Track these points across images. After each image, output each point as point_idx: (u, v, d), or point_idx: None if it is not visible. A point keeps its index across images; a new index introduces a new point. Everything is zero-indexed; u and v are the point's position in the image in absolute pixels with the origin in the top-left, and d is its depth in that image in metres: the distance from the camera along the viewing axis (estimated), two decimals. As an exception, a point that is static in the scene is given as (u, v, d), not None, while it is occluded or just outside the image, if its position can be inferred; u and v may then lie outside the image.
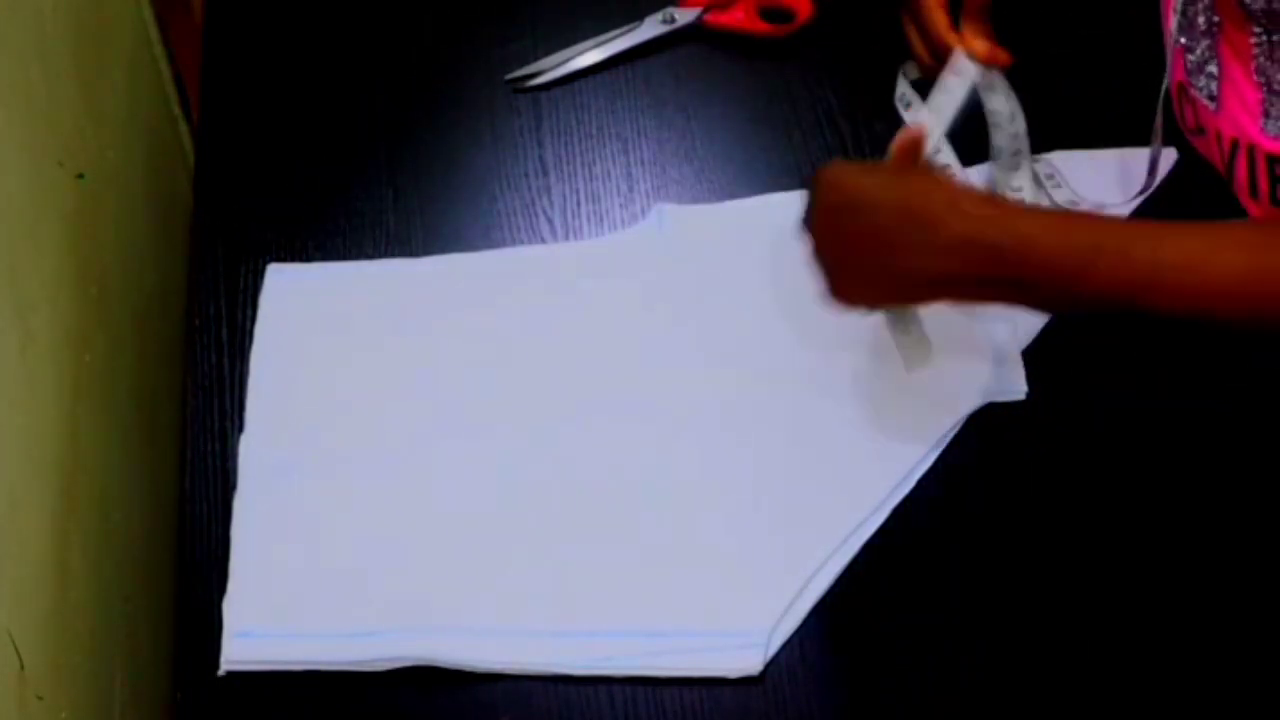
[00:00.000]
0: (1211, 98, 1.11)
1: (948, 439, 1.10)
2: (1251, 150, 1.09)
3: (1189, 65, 1.12)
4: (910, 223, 0.95)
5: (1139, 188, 1.17)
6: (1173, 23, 1.12)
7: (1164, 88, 1.16)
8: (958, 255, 0.94)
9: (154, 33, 1.45)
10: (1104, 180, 1.19)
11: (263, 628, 1.04)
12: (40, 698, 0.97)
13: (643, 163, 1.25)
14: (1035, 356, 1.13)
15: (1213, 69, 1.10)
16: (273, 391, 1.13)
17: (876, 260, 0.97)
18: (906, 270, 0.96)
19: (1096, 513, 1.08)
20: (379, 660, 1.02)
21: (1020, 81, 1.25)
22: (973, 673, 1.02)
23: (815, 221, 0.99)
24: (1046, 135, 1.22)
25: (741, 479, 1.09)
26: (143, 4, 1.42)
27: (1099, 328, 1.13)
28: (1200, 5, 1.08)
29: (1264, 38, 1.04)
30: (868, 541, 1.06)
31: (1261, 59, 1.05)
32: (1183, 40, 1.12)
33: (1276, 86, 1.04)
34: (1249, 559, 1.05)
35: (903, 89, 1.25)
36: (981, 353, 1.13)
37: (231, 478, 1.10)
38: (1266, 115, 1.06)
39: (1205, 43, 1.10)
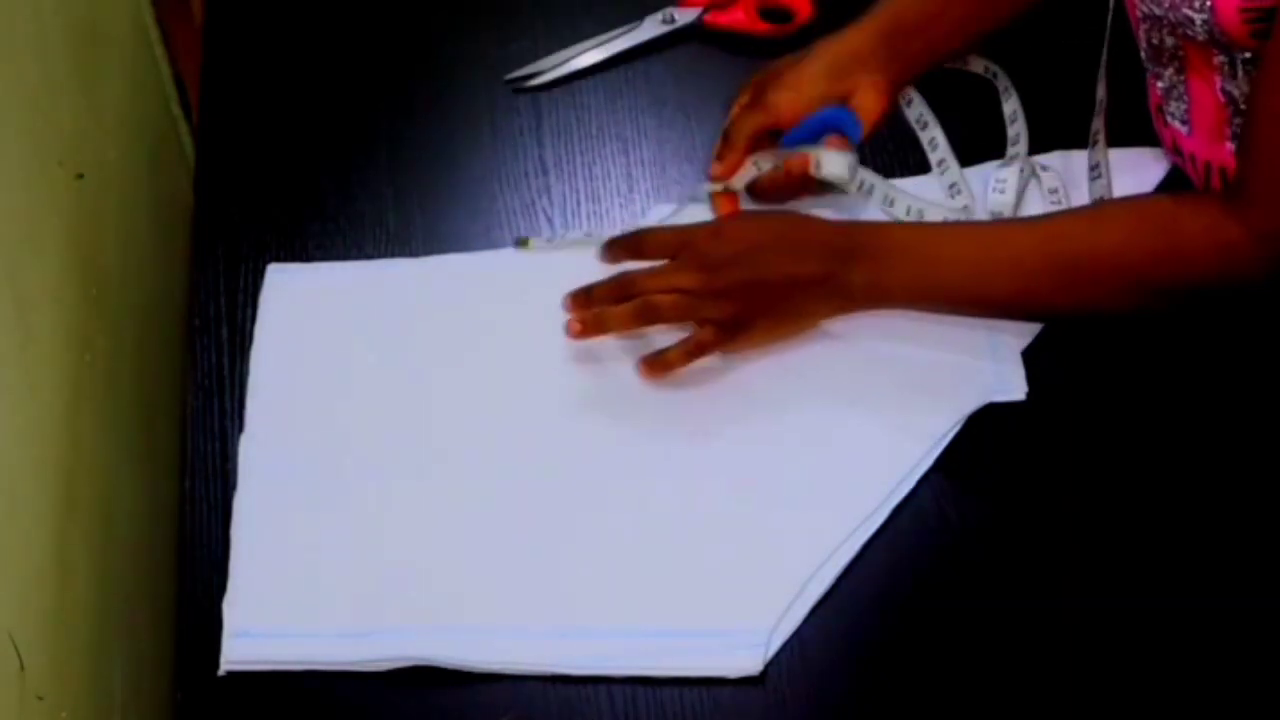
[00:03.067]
0: (1184, 122, 1.12)
1: (948, 439, 1.10)
2: (1224, 172, 1.10)
3: (1160, 91, 1.13)
4: (786, 243, 1.09)
5: (1131, 187, 1.18)
6: (1105, 55, 1.15)
7: (1099, 97, 1.18)
8: (828, 254, 1.08)
9: (154, 33, 1.45)
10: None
11: (263, 628, 1.04)
12: (40, 698, 0.97)
13: (643, 163, 1.25)
14: (1035, 356, 1.13)
15: (1182, 94, 1.11)
16: (273, 391, 1.13)
17: (775, 294, 1.09)
18: (793, 284, 1.08)
19: (1097, 512, 1.08)
20: (379, 660, 1.02)
21: (1020, 81, 1.26)
22: (973, 672, 1.02)
23: (719, 285, 1.09)
24: (1046, 135, 1.22)
25: (742, 479, 1.09)
26: (143, 4, 1.42)
27: (1099, 328, 1.13)
28: (1164, 33, 1.08)
29: (1226, 59, 1.04)
30: (867, 541, 1.06)
31: (1227, 82, 1.06)
32: (1152, 68, 1.13)
33: (1244, 107, 1.05)
34: (1249, 558, 1.05)
35: (904, 88, 1.25)
36: (981, 353, 1.13)
37: (231, 478, 1.10)
38: (1236, 136, 1.06)
39: (1172, 68, 1.10)
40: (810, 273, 1.08)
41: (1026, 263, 1.07)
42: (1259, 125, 1.00)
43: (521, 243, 1.19)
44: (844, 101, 1.17)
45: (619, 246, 1.13)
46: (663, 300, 1.09)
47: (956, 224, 1.14)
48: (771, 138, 1.18)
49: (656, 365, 1.10)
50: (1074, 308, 1.08)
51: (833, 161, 1.14)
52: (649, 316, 1.10)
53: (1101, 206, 1.15)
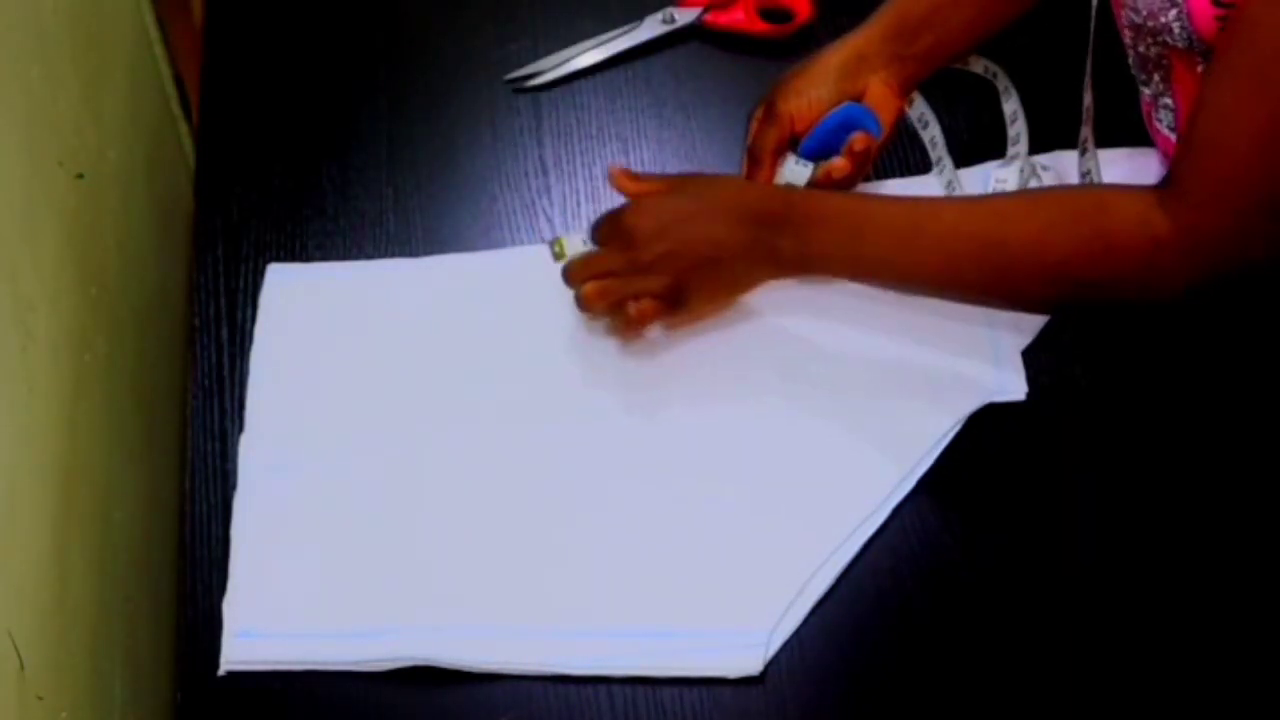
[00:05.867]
0: (1171, 128, 1.12)
1: (948, 439, 1.10)
2: None
3: (1149, 98, 1.13)
4: (711, 211, 1.09)
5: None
6: (1088, 64, 1.15)
7: (1086, 105, 1.18)
8: (754, 221, 1.07)
9: (154, 33, 1.45)
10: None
11: (263, 628, 1.04)
12: (40, 698, 0.97)
13: (643, 163, 1.25)
14: (1035, 356, 1.13)
15: (1168, 101, 1.11)
16: (273, 391, 1.13)
17: (703, 262, 1.08)
18: (720, 251, 1.08)
19: (1097, 512, 1.08)
20: (379, 660, 1.02)
21: (1020, 81, 1.26)
22: (973, 672, 1.02)
23: (645, 259, 1.08)
24: (1046, 135, 1.22)
25: (742, 479, 1.09)
26: (143, 4, 1.42)
27: (1099, 329, 1.13)
28: (1149, 42, 1.08)
29: (1208, 67, 1.04)
30: (868, 541, 1.06)
31: None
32: (1140, 75, 1.13)
33: None
34: (1252, 560, 1.05)
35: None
36: (981, 353, 1.13)
37: (231, 478, 1.10)
38: None
39: (1158, 75, 1.10)
40: (736, 240, 1.08)
41: (951, 243, 1.05)
42: (1201, 118, 0.98)
43: (557, 246, 1.18)
44: (857, 100, 1.17)
45: None
46: (590, 291, 1.10)
47: (891, 197, 1.13)
48: (793, 146, 1.18)
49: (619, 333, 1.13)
50: (1000, 291, 1.06)
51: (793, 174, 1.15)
52: (587, 309, 1.11)
53: (1036, 192, 1.14)
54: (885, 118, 1.17)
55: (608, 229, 1.11)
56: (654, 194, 1.11)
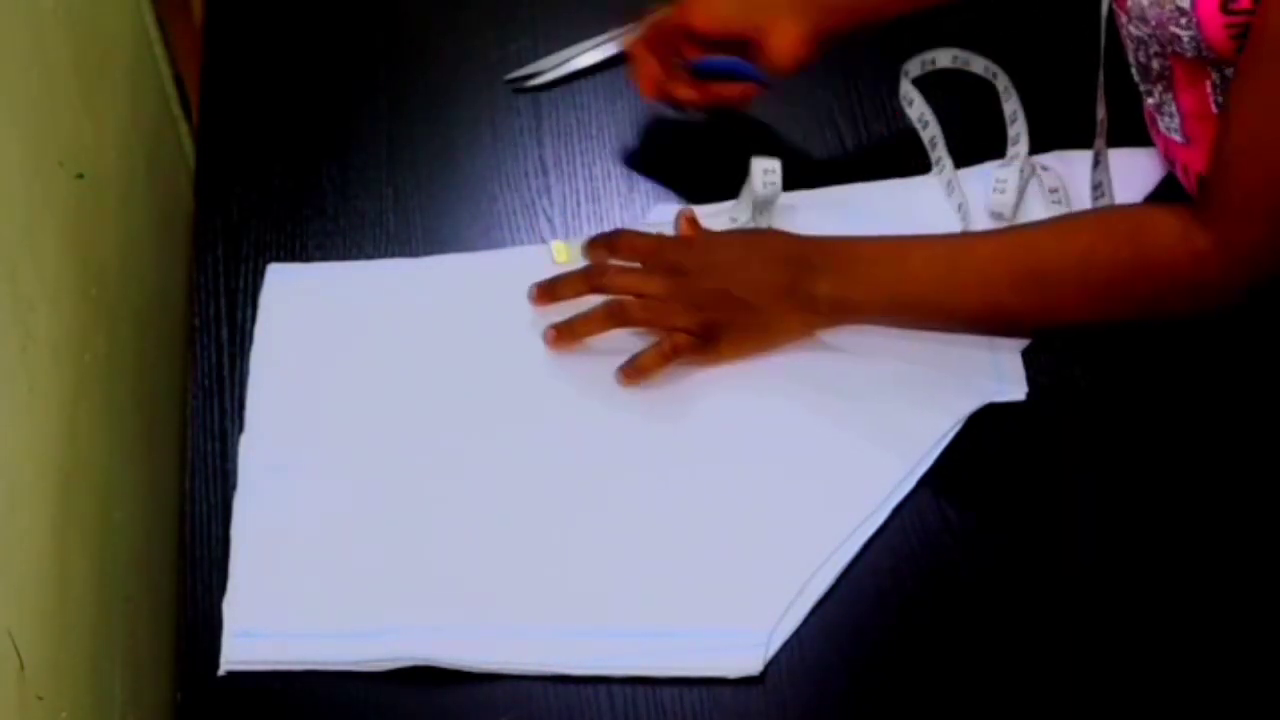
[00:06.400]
0: (1174, 134, 1.12)
1: (948, 439, 1.10)
2: None
3: (1151, 106, 1.13)
4: (753, 254, 1.10)
5: (1134, 187, 1.18)
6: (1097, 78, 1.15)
7: (1099, 118, 1.17)
8: (793, 264, 1.08)
9: (154, 33, 1.45)
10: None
11: (263, 628, 1.04)
12: (40, 698, 0.97)
13: (643, 163, 1.25)
14: (1035, 356, 1.13)
15: (1173, 111, 1.11)
16: (273, 391, 1.13)
17: (741, 304, 1.09)
18: (758, 294, 1.09)
19: (1097, 512, 1.08)
20: (379, 660, 1.02)
21: (1020, 82, 1.26)
22: (973, 672, 1.02)
23: (686, 293, 1.10)
24: (1046, 135, 1.22)
25: (742, 479, 1.09)
26: (143, 4, 1.43)
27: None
28: (1150, 51, 1.08)
29: (1218, 76, 1.04)
30: (867, 541, 1.06)
31: (1220, 96, 1.06)
32: (1143, 84, 1.13)
33: None
34: (1251, 560, 1.05)
35: (905, 88, 1.25)
36: (981, 354, 1.13)
37: (231, 478, 1.10)
38: None
39: (1161, 85, 1.10)
40: (775, 282, 1.09)
41: (992, 274, 1.06)
42: (1232, 136, 0.99)
43: (556, 253, 1.18)
44: (756, 34, 1.17)
45: (597, 243, 1.14)
46: (632, 304, 1.10)
47: (923, 237, 1.11)
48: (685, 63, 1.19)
49: (633, 372, 1.11)
50: (1042, 319, 1.07)
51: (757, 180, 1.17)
52: (619, 319, 1.11)
53: (1069, 216, 1.14)
54: (781, 62, 1.16)
55: (648, 252, 1.11)
56: (703, 234, 1.14)
